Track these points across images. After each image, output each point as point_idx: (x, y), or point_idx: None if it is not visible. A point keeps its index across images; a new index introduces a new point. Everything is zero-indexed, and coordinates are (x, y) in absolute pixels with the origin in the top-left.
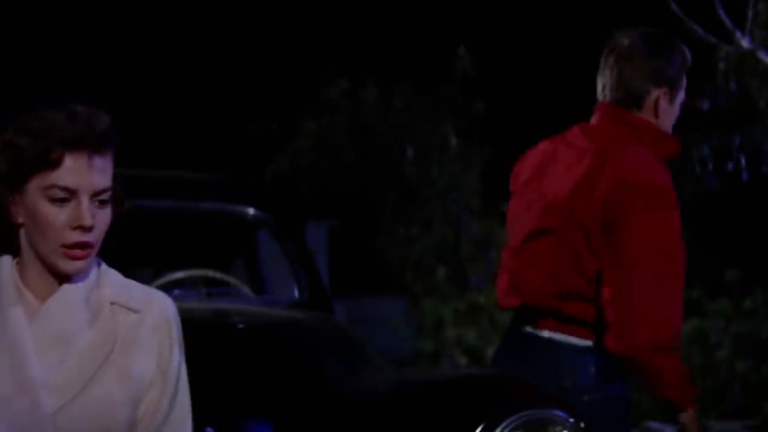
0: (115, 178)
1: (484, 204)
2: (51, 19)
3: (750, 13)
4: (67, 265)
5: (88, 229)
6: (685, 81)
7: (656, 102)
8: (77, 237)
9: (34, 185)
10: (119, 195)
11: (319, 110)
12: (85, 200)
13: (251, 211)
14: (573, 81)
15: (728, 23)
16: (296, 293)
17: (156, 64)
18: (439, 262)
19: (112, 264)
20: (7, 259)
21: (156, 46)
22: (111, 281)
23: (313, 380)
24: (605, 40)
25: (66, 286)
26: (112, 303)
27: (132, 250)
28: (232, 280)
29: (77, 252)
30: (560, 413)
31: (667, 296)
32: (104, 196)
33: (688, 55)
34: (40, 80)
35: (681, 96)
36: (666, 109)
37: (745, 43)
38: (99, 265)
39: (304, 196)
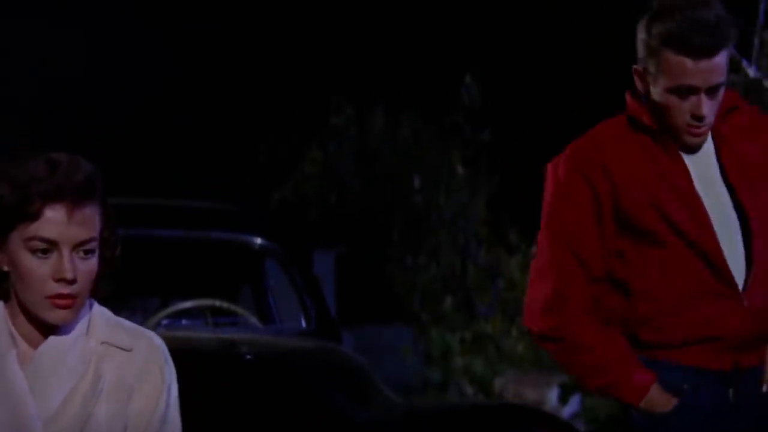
0: (105, 224)
1: (492, 233)
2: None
3: (756, 42)
4: (52, 315)
5: (71, 282)
6: None
7: None
8: (59, 289)
9: (16, 235)
10: (109, 240)
11: (325, 138)
12: (66, 252)
13: (258, 240)
14: (579, 110)
15: (734, 52)
16: (304, 323)
17: (164, 92)
18: (447, 291)
19: (118, 294)
20: None
21: (163, 76)
22: (101, 322)
23: (321, 410)
24: (609, 70)
25: (55, 336)
26: (102, 343)
27: (139, 279)
28: (240, 309)
29: (61, 302)
30: None
31: None
32: (87, 247)
33: None
34: (67, 112)
35: None
36: None
37: (751, 72)
38: (90, 306)
39: (311, 223)
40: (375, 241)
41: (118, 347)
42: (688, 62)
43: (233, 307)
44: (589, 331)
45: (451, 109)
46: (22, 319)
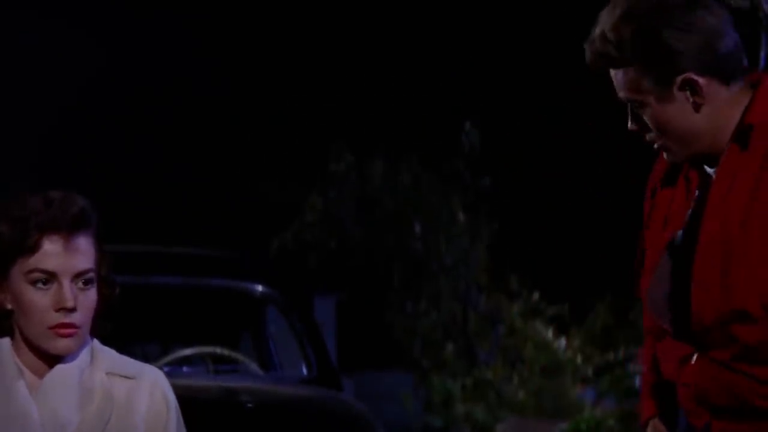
0: (101, 260)
1: (492, 279)
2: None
3: None
4: (55, 345)
5: (72, 310)
6: None
7: None
8: (61, 318)
9: (17, 271)
10: (107, 277)
11: (325, 184)
12: (66, 282)
13: (259, 287)
14: (578, 157)
15: None
16: (304, 370)
17: (165, 140)
18: (447, 337)
19: (118, 339)
20: (5, 341)
21: (164, 123)
22: (104, 356)
23: None
24: (610, 115)
25: (60, 365)
26: (106, 373)
27: (140, 326)
28: (240, 356)
29: (63, 331)
30: None
31: None
32: (87, 277)
33: None
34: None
35: None
36: None
37: None
38: (92, 343)
39: (311, 269)
40: (375, 287)
41: (122, 376)
42: None
43: (234, 355)
44: (646, 353)
45: (451, 156)
46: (27, 352)
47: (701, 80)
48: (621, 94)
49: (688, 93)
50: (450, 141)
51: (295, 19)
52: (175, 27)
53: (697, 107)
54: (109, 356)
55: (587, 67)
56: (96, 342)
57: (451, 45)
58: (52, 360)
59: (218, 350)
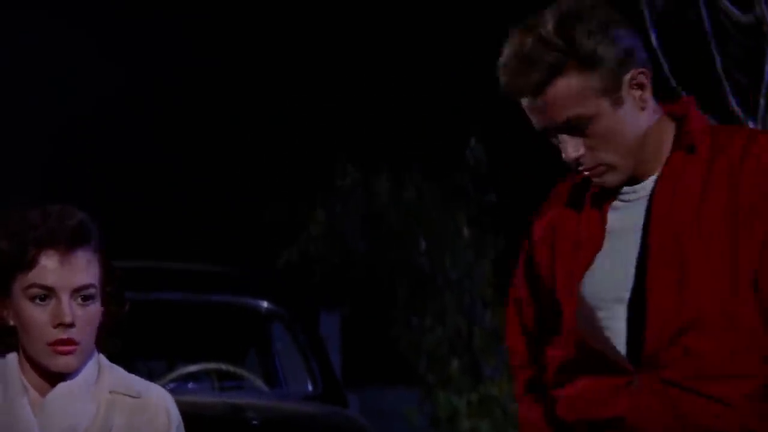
0: (109, 275)
1: (498, 294)
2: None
3: (762, 102)
4: (55, 362)
5: (70, 326)
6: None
7: None
8: (60, 334)
9: (17, 287)
10: (114, 293)
11: (330, 200)
12: (64, 297)
13: (264, 303)
14: None
15: (740, 113)
16: (310, 386)
17: (168, 156)
18: (453, 353)
19: (123, 355)
20: (12, 357)
21: (167, 140)
22: (110, 374)
23: None
24: None
25: (63, 383)
26: (110, 391)
27: (145, 343)
28: (246, 373)
29: (62, 348)
30: None
31: None
32: (86, 293)
33: None
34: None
35: None
36: None
37: None
38: (99, 360)
39: (316, 285)
40: (380, 302)
41: (126, 395)
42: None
43: (239, 371)
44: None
45: (456, 171)
46: (29, 370)
47: (647, 73)
48: (563, 116)
49: (636, 91)
50: (455, 156)
51: (302, 36)
52: (183, 44)
53: (643, 106)
54: (115, 374)
55: (504, 93)
56: (103, 359)
57: (456, 61)
58: (55, 377)
59: (223, 366)
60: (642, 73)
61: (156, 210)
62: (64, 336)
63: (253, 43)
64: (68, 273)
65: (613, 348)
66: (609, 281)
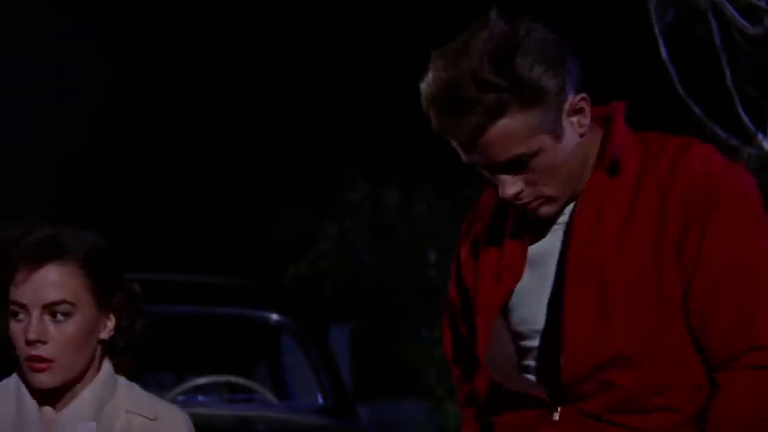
0: (107, 290)
1: None
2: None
3: None
4: (31, 379)
5: (35, 343)
6: None
7: None
8: (30, 351)
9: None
10: (119, 308)
11: (340, 213)
12: (34, 314)
13: (274, 316)
14: None
15: (750, 125)
16: (320, 399)
17: (179, 168)
18: None
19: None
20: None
21: (178, 153)
22: (126, 393)
23: None
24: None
25: (77, 401)
26: (127, 411)
27: (154, 355)
28: (255, 385)
29: (34, 364)
30: None
31: None
32: (58, 309)
33: None
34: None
35: None
36: None
37: (766, 144)
38: (116, 379)
39: (326, 298)
40: (390, 315)
41: (142, 416)
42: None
43: (249, 383)
44: None
45: (465, 184)
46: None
47: (587, 98)
48: (502, 156)
49: (574, 117)
50: (464, 169)
51: (314, 50)
52: (196, 60)
53: (582, 132)
54: (132, 394)
55: (434, 131)
56: (122, 378)
57: None
58: (62, 394)
59: (233, 379)
60: (582, 99)
61: (168, 223)
62: (34, 353)
63: (265, 58)
64: (39, 289)
65: (530, 383)
66: (527, 313)
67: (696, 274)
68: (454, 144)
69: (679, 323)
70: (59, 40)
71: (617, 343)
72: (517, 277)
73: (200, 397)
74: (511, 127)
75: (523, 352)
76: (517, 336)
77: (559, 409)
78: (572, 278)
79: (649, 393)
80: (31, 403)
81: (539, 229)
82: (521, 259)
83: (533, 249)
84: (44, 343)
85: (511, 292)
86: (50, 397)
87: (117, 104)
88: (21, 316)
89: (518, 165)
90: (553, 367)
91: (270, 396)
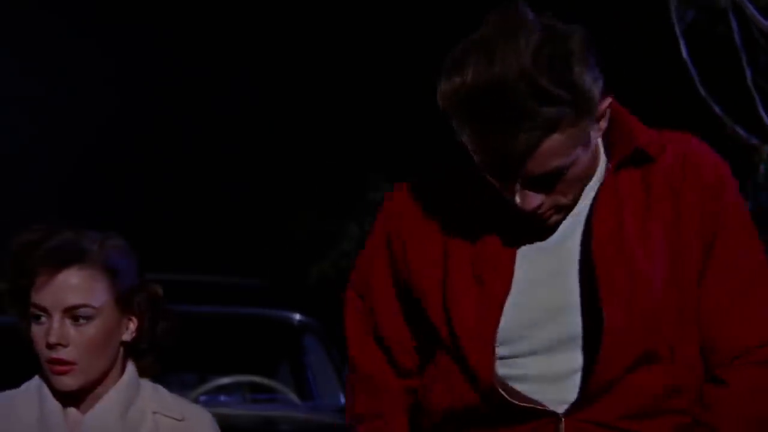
0: (128, 294)
1: None
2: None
3: None
4: (53, 382)
5: (56, 346)
6: None
7: None
8: (51, 354)
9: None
10: (142, 311)
11: (363, 213)
12: (55, 317)
13: (297, 316)
14: None
15: (751, 137)
16: (342, 399)
17: (202, 169)
18: None
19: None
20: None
21: (200, 152)
22: (154, 395)
23: None
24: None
25: (102, 403)
26: (154, 413)
27: (177, 355)
28: (278, 385)
29: (57, 368)
30: None
31: None
32: (79, 312)
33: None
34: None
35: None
36: None
37: None
38: (140, 381)
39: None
40: None
41: (170, 417)
42: None
43: (271, 383)
44: None
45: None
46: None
47: (613, 101)
48: (539, 170)
49: (603, 122)
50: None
51: (335, 50)
52: (213, 61)
53: (600, 135)
54: (158, 396)
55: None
56: (146, 380)
57: None
58: (85, 396)
59: (256, 379)
60: (609, 104)
61: (191, 224)
62: (55, 356)
63: (288, 59)
64: (60, 292)
65: (526, 396)
66: (527, 317)
67: (705, 275)
68: (479, 147)
69: (695, 322)
70: (61, 40)
71: (648, 341)
72: (507, 288)
73: (223, 397)
74: (559, 142)
75: (509, 359)
76: (504, 341)
77: (563, 420)
78: (604, 281)
79: (668, 394)
80: (54, 405)
81: (533, 227)
82: (509, 261)
83: (541, 245)
84: (65, 346)
85: (502, 305)
86: (73, 399)
87: (134, 103)
88: (42, 319)
89: (553, 177)
90: (568, 374)
91: (293, 396)
